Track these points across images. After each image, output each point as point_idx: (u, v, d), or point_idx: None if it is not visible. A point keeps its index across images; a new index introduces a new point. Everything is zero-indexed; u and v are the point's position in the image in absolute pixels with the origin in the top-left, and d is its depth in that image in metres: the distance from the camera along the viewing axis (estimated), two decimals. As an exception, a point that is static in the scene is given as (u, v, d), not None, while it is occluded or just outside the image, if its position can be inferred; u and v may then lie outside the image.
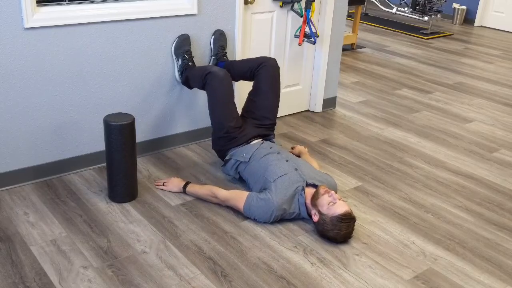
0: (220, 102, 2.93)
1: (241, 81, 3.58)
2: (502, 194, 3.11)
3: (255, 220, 2.67)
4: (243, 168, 2.91)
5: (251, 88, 3.18)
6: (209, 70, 2.95)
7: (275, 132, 3.74)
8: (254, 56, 3.65)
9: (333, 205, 2.48)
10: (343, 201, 2.52)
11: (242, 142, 2.97)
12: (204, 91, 3.41)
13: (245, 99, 3.23)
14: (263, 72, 3.08)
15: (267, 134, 3.08)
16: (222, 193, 2.75)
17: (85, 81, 2.93)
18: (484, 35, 7.48)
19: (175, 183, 2.91)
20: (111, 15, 2.87)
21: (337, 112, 4.25)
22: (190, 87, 3.20)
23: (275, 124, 3.14)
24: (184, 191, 2.88)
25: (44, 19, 2.67)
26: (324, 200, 2.51)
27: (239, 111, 3.40)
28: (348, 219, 2.47)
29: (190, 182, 2.90)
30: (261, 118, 3.10)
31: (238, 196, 2.70)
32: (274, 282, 2.26)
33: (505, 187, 3.20)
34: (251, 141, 2.98)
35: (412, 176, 3.25)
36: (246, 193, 2.70)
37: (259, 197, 2.63)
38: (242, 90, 3.62)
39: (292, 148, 3.36)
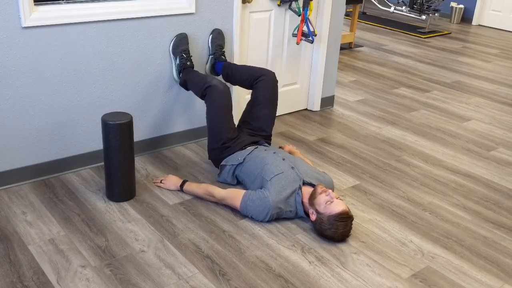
0: (219, 114, 2.94)
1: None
2: (500, 192, 3.12)
3: (252, 219, 2.67)
4: (239, 170, 2.90)
5: (249, 97, 3.19)
6: (210, 83, 2.95)
7: (273, 132, 3.74)
8: (252, 55, 3.65)
9: (330, 204, 2.48)
10: (341, 199, 2.53)
11: (236, 150, 2.97)
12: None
13: (243, 108, 3.23)
14: (262, 85, 3.10)
15: (261, 141, 3.08)
16: (219, 192, 2.76)
17: (83, 80, 2.93)
18: (482, 34, 7.49)
19: (173, 181, 2.92)
20: (108, 14, 2.87)
21: (335, 111, 4.25)
22: (187, 90, 3.20)
23: (270, 136, 3.16)
24: (181, 189, 2.88)
25: (41, 18, 2.66)
26: (322, 199, 2.51)
27: (236, 122, 3.40)
28: (345, 218, 2.47)
29: (187, 181, 2.90)
30: (257, 129, 3.12)
31: (235, 195, 2.70)
32: (272, 281, 2.26)
33: (503, 185, 3.20)
34: (246, 148, 2.99)
35: (410, 175, 3.25)
36: (243, 191, 2.70)
37: (256, 196, 2.63)
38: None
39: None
